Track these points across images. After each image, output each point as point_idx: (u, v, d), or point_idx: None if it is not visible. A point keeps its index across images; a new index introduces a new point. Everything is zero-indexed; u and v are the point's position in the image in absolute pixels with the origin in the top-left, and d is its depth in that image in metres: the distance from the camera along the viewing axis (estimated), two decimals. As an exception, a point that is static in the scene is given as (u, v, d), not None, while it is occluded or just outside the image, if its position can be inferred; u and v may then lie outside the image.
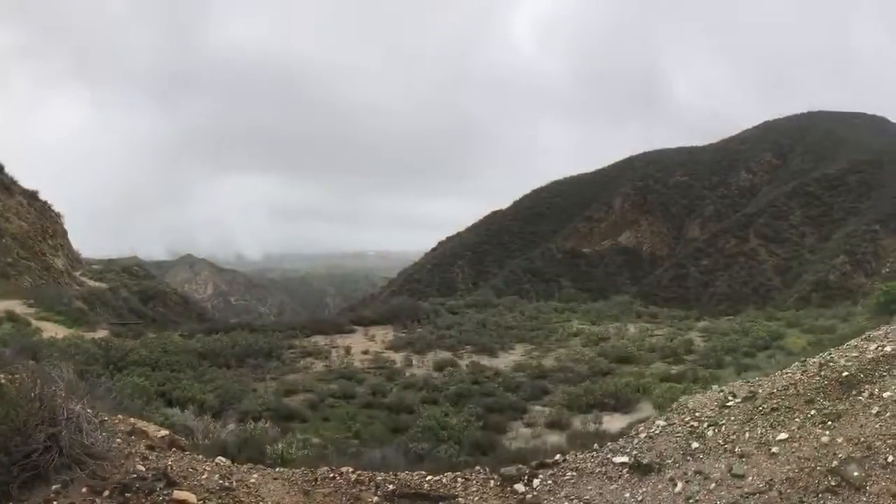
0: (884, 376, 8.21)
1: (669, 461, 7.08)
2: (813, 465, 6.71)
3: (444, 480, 7.53)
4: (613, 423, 29.73)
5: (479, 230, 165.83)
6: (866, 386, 7.94)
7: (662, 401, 29.63)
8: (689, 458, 7.12)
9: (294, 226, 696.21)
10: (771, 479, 6.66)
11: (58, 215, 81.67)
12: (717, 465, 6.95)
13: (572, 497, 7.23)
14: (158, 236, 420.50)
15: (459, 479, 7.55)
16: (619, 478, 7.04)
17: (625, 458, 7.19)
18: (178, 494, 6.51)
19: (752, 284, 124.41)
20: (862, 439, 6.90)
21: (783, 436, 7.24)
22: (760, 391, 8.26)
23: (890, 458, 6.61)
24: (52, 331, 43.72)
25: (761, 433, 7.37)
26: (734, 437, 7.38)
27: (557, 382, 37.23)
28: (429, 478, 7.61)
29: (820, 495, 6.43)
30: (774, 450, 7.04)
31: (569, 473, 7.16)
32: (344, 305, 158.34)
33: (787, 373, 8.91)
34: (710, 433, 7.50)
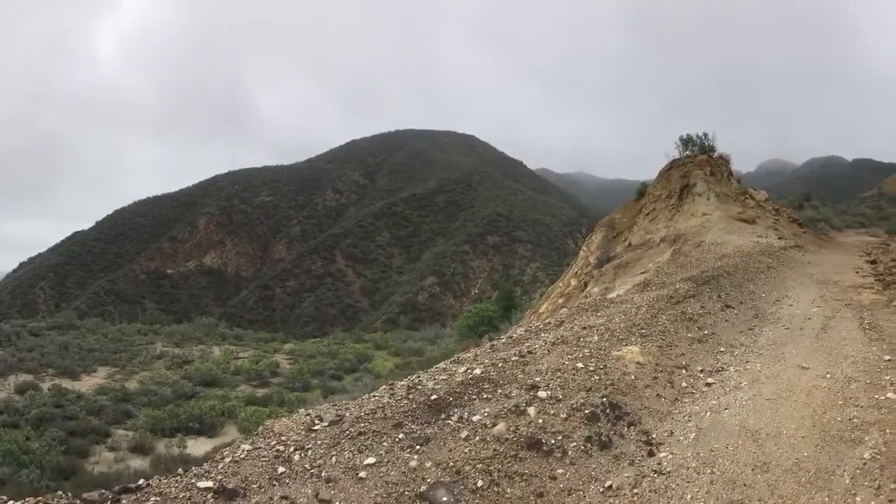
0: (473, 399, 8.71)
1: (255, 486, 7.05)
2: (401, 489, 6.94)
3: (25, 506, 7.13)
4: (199, 446, 29.82)
5: (61, 251, 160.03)
6: (455, 409, 8.38)
7: (248, 424, 30.20)
8: (275, 483, 7.12)
9: None
10: (358, 505, 6.82)
11: None
12: (303, 490, 6.99)
13: (153, 525, 7.04)
14: None
15: (42, 505, 7.17)
16: (205, 503, 6.94)
17: (210, 483, 7.06)
18: None
19: (339, 306, 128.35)
20: (451, 464, 7.25)
21: (371, 460, 7.43)
22: (348, 415, 8.43)
23: (479, 483, 7.00)
24: None
25: (349, 457, 7.51)
26: (321, 461, 7.46)
27: (141, 406, 37.59)
28: (9, 503, 7.20)
29: (408, 520, 6.67)
30: (362, 474, 7.21)
31: (153, 499, 6.91)
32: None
33: (374, 396, 9.18)
34: (296, 457, 7.54)
